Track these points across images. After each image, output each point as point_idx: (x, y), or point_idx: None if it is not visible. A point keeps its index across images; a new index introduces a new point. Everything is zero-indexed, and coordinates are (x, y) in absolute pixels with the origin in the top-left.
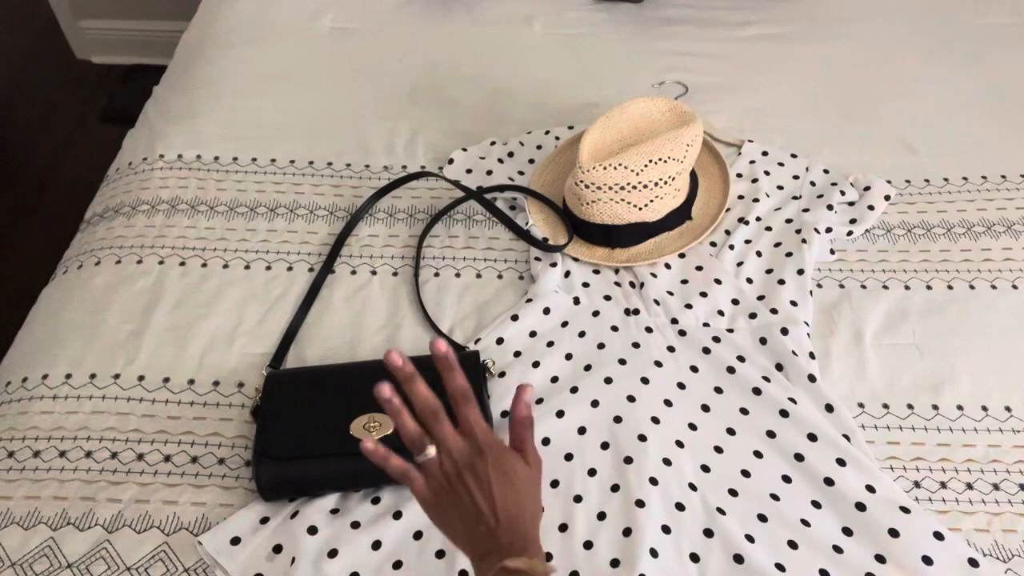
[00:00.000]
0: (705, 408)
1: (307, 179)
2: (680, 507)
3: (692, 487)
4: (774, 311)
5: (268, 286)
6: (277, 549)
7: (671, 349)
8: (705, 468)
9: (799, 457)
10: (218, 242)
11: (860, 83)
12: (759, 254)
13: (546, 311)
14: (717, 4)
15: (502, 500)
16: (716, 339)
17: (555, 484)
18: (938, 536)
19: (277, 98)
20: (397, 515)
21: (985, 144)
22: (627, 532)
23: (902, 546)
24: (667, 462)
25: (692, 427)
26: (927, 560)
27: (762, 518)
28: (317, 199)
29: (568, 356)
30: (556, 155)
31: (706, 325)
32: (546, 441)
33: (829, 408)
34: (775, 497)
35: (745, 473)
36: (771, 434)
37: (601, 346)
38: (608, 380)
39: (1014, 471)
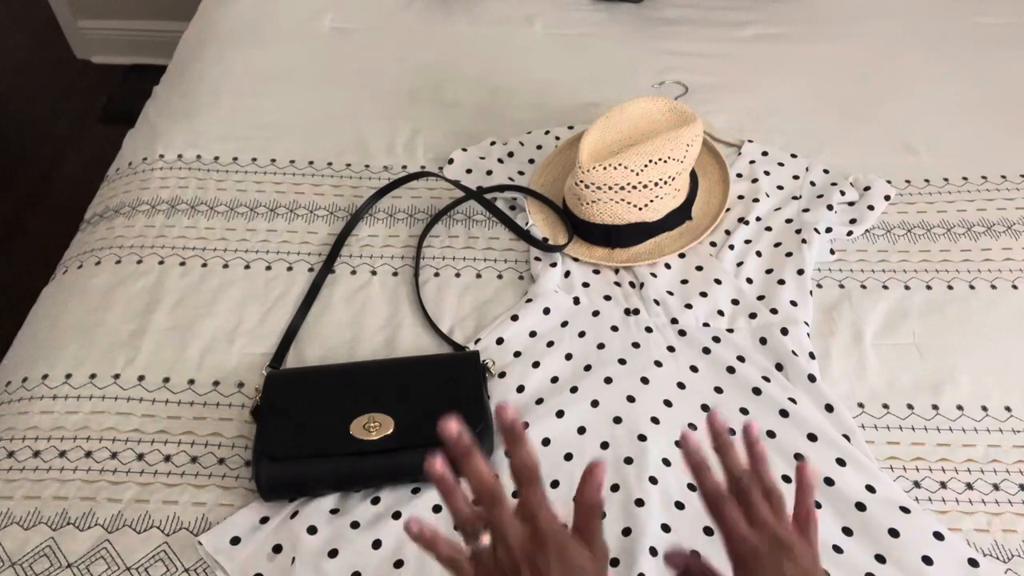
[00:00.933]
0: (705, 408)
1: (307, 179)
2: (680, 506)
3: (692, 487)
4: (774, 311)
5: (268, 286)
6: (277, 549)
7: (671, 349)
8: None
9: (799, 457)
10: (218, 242)
11: (860, 83)
12: (759, 254)
13: (546, 311)
14: (717, 4)
15: None
16: (716, 339)
17: (555, 484)
18: (938, 536)
19: (277, 98)
20: (396, 515)
21: (985, 144)
22: (627, 532)
23: (902, 546)
24: (667, 462)
25: (692, 427)
26: (927, 560)
27: None
28: (317, 199)
29: (568, 356)
30: (556, 155)
31: (706, 325)
32: (546, 441)
33: (829, 408)
34: None
35: None
36: (771, 434)
37: (601, 346)
38: (608, 380)
39: (1014, 471)
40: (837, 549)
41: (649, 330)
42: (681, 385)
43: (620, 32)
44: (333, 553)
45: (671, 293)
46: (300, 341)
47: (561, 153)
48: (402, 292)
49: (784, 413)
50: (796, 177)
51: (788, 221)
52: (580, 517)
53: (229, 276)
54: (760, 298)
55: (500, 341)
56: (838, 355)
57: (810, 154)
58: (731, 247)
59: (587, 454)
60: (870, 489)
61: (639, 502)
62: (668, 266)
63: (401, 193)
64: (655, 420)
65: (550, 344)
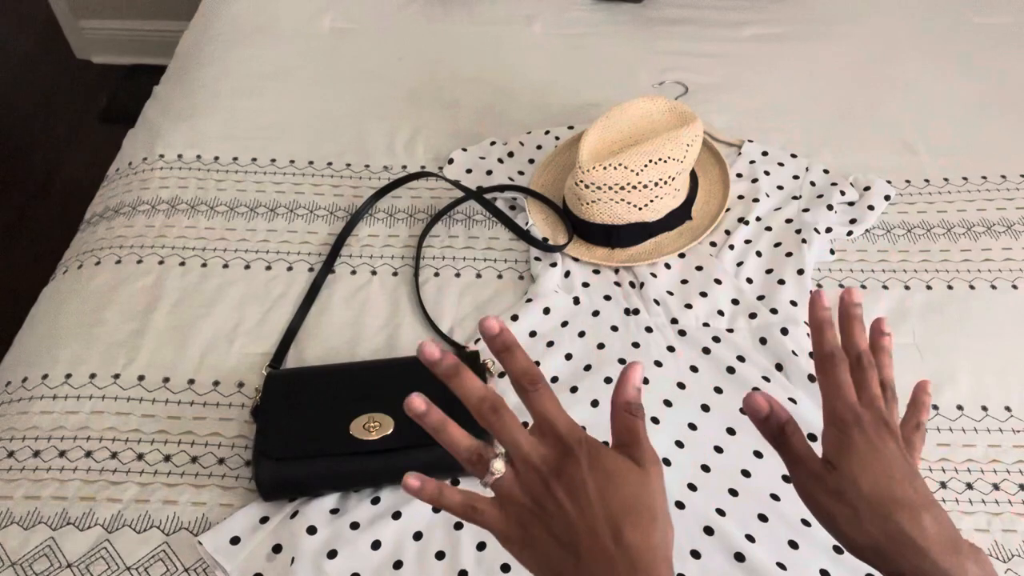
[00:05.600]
0: (705, 408)
1: (307, 179)
2: (680, 505)
3: (692, 487)
4: (774, 311)
5: (268, 286)
6: (277, 549)
7: (671, 349)
8: (705, 468)
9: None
10: (218, 242)
11: (860, 83)
12: (759, 254)
13: (546, 311)
14: (717, 4)
15: (609, 504)
16: (716, 339)
17: None
18: None
19: (277, 98)
20: (396, 515)
21: (985, 144)
22: None
23: None
24: (667, 462)
25: (692, 427)
26: None
27: (762, 518)
28: (317, 199)
29: (568, 356)
30: (556, 155)
31: (706, 325)
32: None
33: None
34: (775, 497)
35: (745, 473)
36: None
37: (601, 346)
38: (608, 380)
39: (1014, 471)
40: (838, 550)
41: (649, 330)
42: (681, 385)
43: (620, 32)
44: (332, 553)
45: (671, 293)
46: (300, 341)
47: (561, 153)
48: (402, 292)
49: None
50: (796, 177)
51: (788, 221)
52: (617, 422)
53: (229, 276)
54: (760, 298)
55: None
56: None
57: (810, 154)
58: (731, 247)
59: None
60: None
61: None
62: (668, 266)
63: (401, 193)
64: (655, 420)
65: (550, 344)
